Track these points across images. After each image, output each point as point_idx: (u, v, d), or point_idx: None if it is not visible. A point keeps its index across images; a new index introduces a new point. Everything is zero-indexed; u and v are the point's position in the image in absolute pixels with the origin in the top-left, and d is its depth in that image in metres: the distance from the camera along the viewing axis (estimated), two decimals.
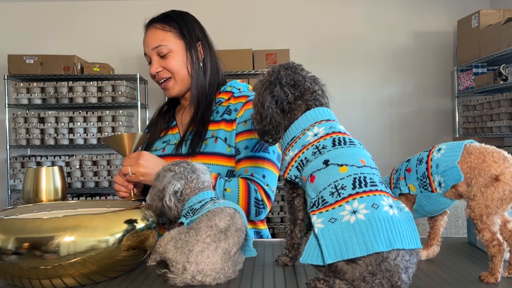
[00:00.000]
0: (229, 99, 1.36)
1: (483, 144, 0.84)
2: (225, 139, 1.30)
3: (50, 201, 1.21)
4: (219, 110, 1.36)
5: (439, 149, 0.86)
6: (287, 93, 0.89)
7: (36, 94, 4.08)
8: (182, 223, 0.91)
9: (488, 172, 0.78)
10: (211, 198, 0.95)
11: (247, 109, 1.31)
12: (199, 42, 1.37)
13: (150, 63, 1.37)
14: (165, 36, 1.34)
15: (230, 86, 1.40)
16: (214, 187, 1.19)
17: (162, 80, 1.37)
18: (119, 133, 1.47)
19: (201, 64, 1.37)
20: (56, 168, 1.25)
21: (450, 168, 0.82)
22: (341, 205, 0.73)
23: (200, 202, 0.93)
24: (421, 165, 0.87)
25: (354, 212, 0.71)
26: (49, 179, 1.23)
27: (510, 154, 0.81)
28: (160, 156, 1.36)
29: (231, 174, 1.31)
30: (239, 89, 1.40)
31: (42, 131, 4.07)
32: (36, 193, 1.22)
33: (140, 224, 0.85)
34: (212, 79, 1.39)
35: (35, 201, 1.21)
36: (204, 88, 1.36)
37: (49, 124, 4.05)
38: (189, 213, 0.92)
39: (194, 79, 1.36)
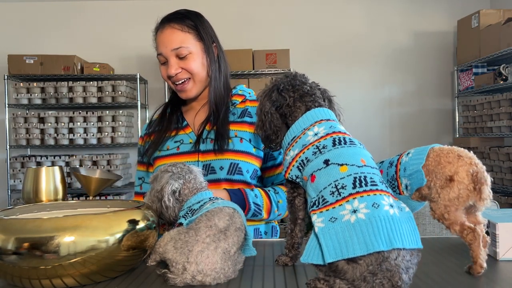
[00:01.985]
0: (243, 101, 1.40)
1: (445, 146, 0.85)
2: (250, 140, 1.34)
3: (50, 201, 1.21)
4: (235, 111, 1.39)
5: (408, 153, 0.89)
6: (285, 97, 0.93)
7: (36, 94, 4.08)
8: (181, 224, 0.91)
9: (443, 174, 0.80)
10: (209, 198, 0.95)
11: None
12: (214, 44, 1.39)
13: (163, 63, 1.36)
14: (185, 38, 1.33)
15: (241, 90, 1.44)
16: (246, 201, 1.25)
17: (180, 81, 1.35)
18: (96, 171, 1.53)
19: (217, 65, 1.39)
20: (56, 168, 1.25)
21: (415, 172, 0.84)
22: (341, 204, 0.73)
23: (199, 202, 0.93)
24: (391, 168, 0.90)
25: (355, 211, 0.71)
26: (49, 179, 1.23)
27: (470, 152, 0.82)
28: (175, 154, 1.35)
29: (256, 173, 1.34)
30: (249, 93, 1.44)
31: (42, 131, 4.07)
32: (36, 193, 1.22)
33: (140, 224, 0.85)
34: (225, 80, 1.41)
35: (35, 201, 1.21)
36: (220, 88, 1.38)
37: (49, 124, 4.05)
38: (188, 213, 0.92)
39: (212, 81, 1.37)
